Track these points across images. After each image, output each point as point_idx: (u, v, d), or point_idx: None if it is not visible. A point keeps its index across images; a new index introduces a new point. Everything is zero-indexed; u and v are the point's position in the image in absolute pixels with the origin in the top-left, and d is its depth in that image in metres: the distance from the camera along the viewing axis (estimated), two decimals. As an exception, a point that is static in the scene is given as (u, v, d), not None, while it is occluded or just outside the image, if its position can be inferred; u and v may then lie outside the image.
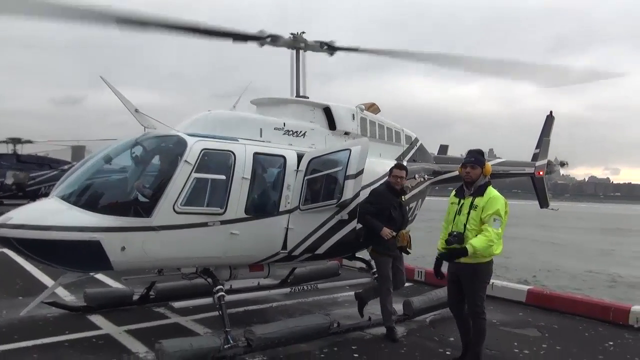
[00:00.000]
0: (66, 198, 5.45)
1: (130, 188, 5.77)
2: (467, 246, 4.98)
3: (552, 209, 12.74)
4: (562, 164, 13.14)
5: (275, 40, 7.40)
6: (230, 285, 7.80)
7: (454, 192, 5.56)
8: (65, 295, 8.30)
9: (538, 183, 12.33)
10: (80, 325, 6.66)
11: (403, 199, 6.71)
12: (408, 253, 6.57)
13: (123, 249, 5.36)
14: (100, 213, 5.32)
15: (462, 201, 5.34)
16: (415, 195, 8.78)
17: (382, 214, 6.41)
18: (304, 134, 7.11)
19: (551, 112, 13.43)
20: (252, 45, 7.36)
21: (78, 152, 27.12)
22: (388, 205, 6.43)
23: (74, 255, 5.27)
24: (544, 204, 12.50)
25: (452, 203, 5.50)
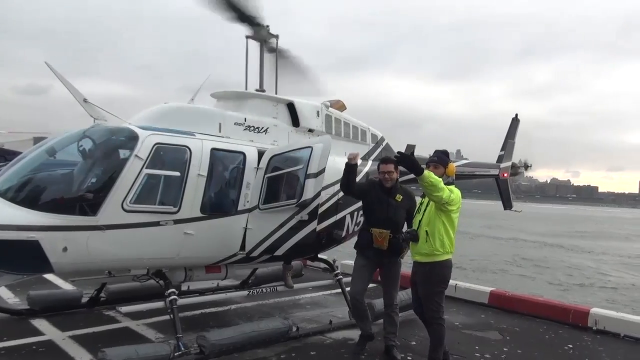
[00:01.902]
0: (2, 194, 4.99)
1: (75, 184, 5.36)
2: (425, 171, 4.87)
3: (516, 211, 12.83)
4: (526, 166, 13.24)
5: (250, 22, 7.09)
6: (188, 287, 7.47)
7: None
8: (8, 297, 7.80)
9: (502, 185, 12.39)
10: (21, 331, 6.22)
11: (398, 199, 5.80)
12: (381, 266, 5.83)
13: (65, 249, 4.95)
14: (39, 210, 4.89)
15: (423, 200, 5.39)
16: None
17: (367, 206, 5.94)
18: (266, 130, 6.83)
19: (516, 115, 13.52)
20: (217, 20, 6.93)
21: (41, 143, 25.91)
22: (375, 198, 5.83)
23: (10, 256, 4.81)
24: (507, 205, 12.57)
25: (420, 203, 5.50)
